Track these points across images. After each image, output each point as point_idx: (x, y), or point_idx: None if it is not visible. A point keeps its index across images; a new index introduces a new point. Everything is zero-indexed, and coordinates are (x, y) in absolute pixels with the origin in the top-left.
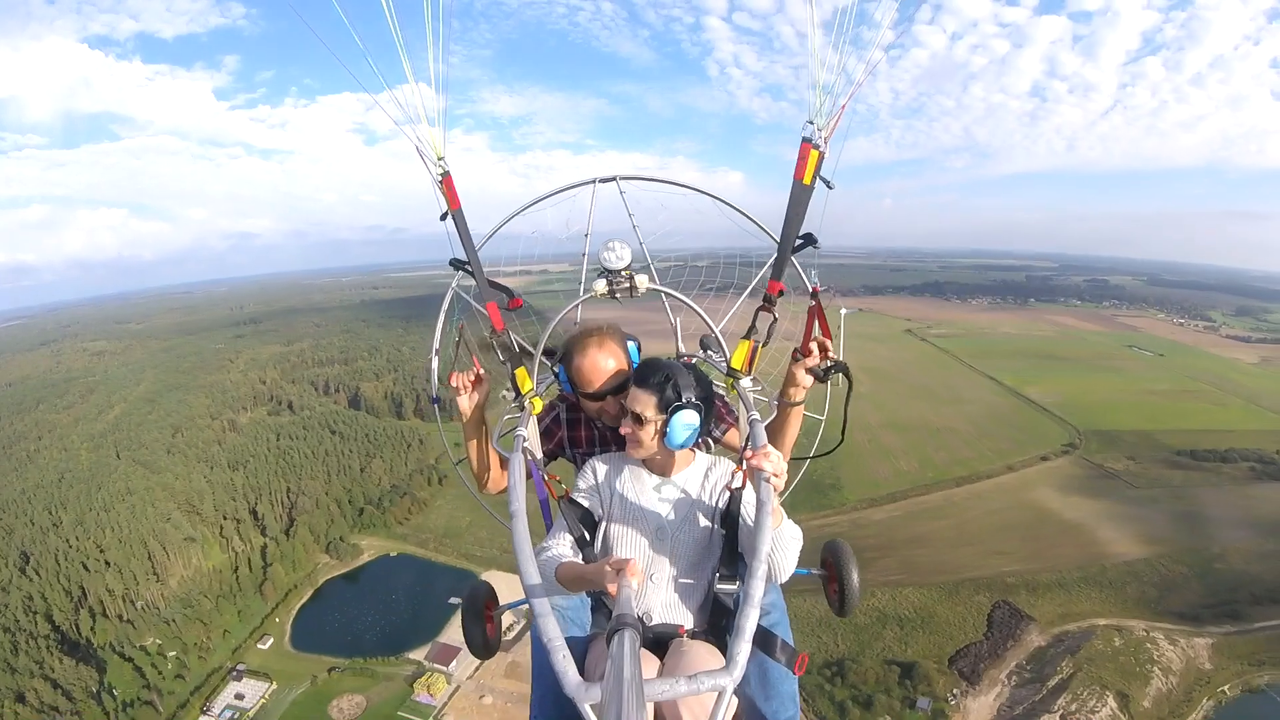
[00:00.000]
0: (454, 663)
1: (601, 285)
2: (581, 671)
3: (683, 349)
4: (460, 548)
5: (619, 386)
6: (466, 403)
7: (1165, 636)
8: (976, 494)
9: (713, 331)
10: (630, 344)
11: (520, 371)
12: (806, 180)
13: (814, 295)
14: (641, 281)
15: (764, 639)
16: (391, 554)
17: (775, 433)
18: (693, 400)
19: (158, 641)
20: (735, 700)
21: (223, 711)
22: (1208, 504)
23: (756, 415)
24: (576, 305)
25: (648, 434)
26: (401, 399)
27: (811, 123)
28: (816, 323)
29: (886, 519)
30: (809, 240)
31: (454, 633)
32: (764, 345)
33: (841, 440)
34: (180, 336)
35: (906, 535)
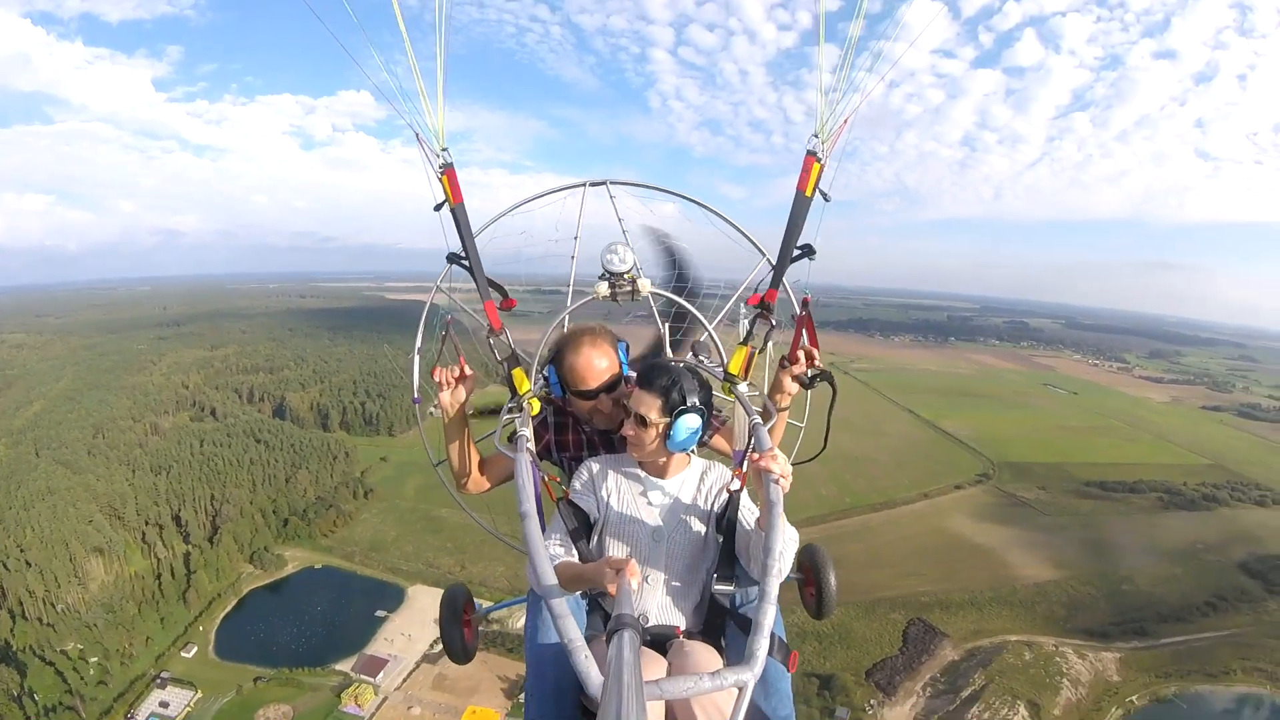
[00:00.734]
0: (381, 674)
1: (604, 288)
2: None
3: (669, 355)
4: (386, 561)
5: (611, 385)
6: (449, 399)
7: (1074, 651)
8: (892, 519)
9: (709, 336)
10: (620, 345)
11: (517, 372)
12: (809, 192)
13: (804, 305)
14: (644, 285)
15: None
16: (316, 566)
17: None
18: (696, 404)
19: (79, 646)
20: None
21: (148, 719)
22: (1116, 531)
23: (758, 419)
24: (578, 306)
25: (650, 436)
26: (328, 410)
27: (816, 135)
28: (805, 332)
29: (806, 540)
30: (807, 251)
31: (381, 645)
32: (760, 352)
33: (824, 447)
34: (102, 335)
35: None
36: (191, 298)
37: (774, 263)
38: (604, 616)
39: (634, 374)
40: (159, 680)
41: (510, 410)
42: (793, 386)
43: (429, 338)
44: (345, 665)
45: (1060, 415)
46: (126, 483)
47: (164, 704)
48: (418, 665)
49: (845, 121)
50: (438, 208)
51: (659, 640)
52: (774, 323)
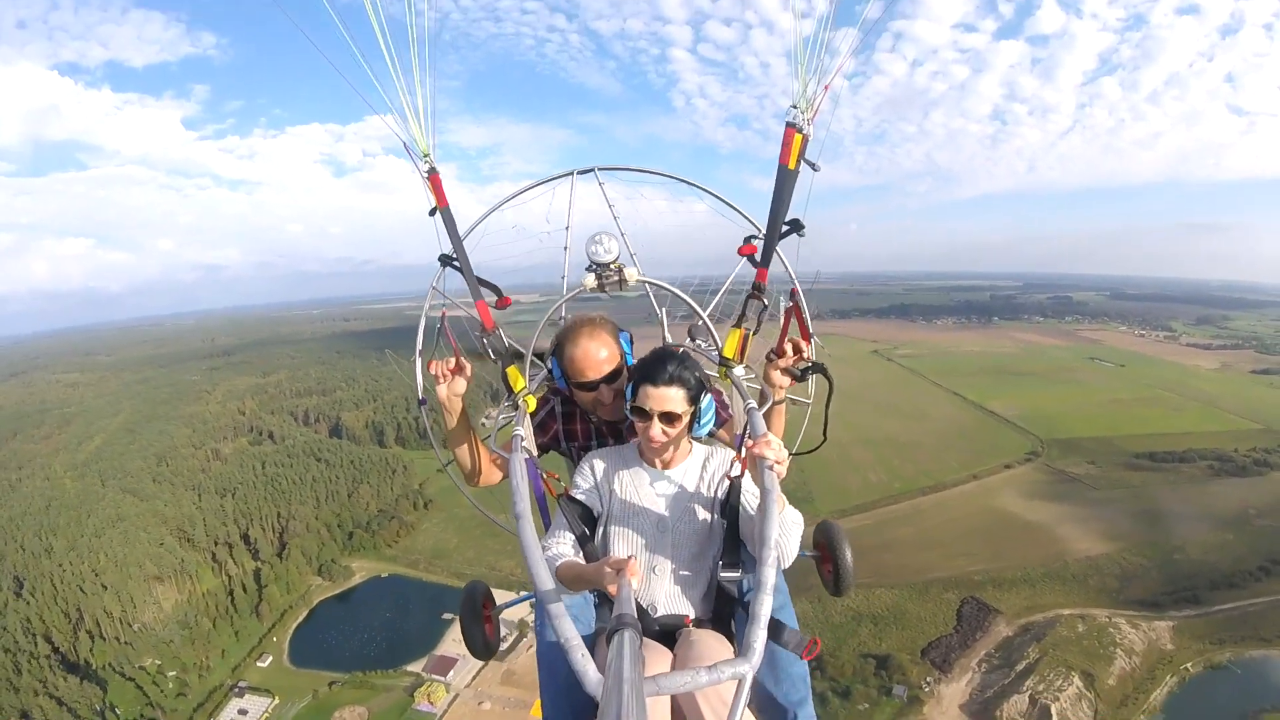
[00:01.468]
0: (451, 672)
1: (591, 279)
2: None
3: (669, 339)
4: (450, 567)
5: (612, 376)
6: (445, 391)
7: (1127, 621)
8: (942, 502)
9: (702, 320)
10: (622, 334)
11: (512, 370)
12: (791, 165)
13: (792, 295)
14: (630, 274)
15: (772, 627)
16: (383, 575)
17: None
18: (704, 385)
19: (157, 662)
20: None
21: None
22: (1166, 502)
23: (753, 404)
24: (568, 299)
25: (679, 429)
26: (383, 427)
27: (795, 107)
28: (795, 323)
29: (856, 527)
30: (795, 226)
31: (450, 645)
32: (754, 333)
33: (824, 439)
34: (153, 369)
35: (876, 541)
36: (237, 328)
37: (762, 238)
38: (609, 606)
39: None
40: (237, 689)
41: (506, 409)
42: (783, 380)
43: (427, 337)
44: (416, 666)
45: (1108, 388)
46: (194, 506)
47: (243, 711)
48: (486, 663)
49: (826, 88)
50: (431, 213)
51: (668, 629)
52: (764, 303)
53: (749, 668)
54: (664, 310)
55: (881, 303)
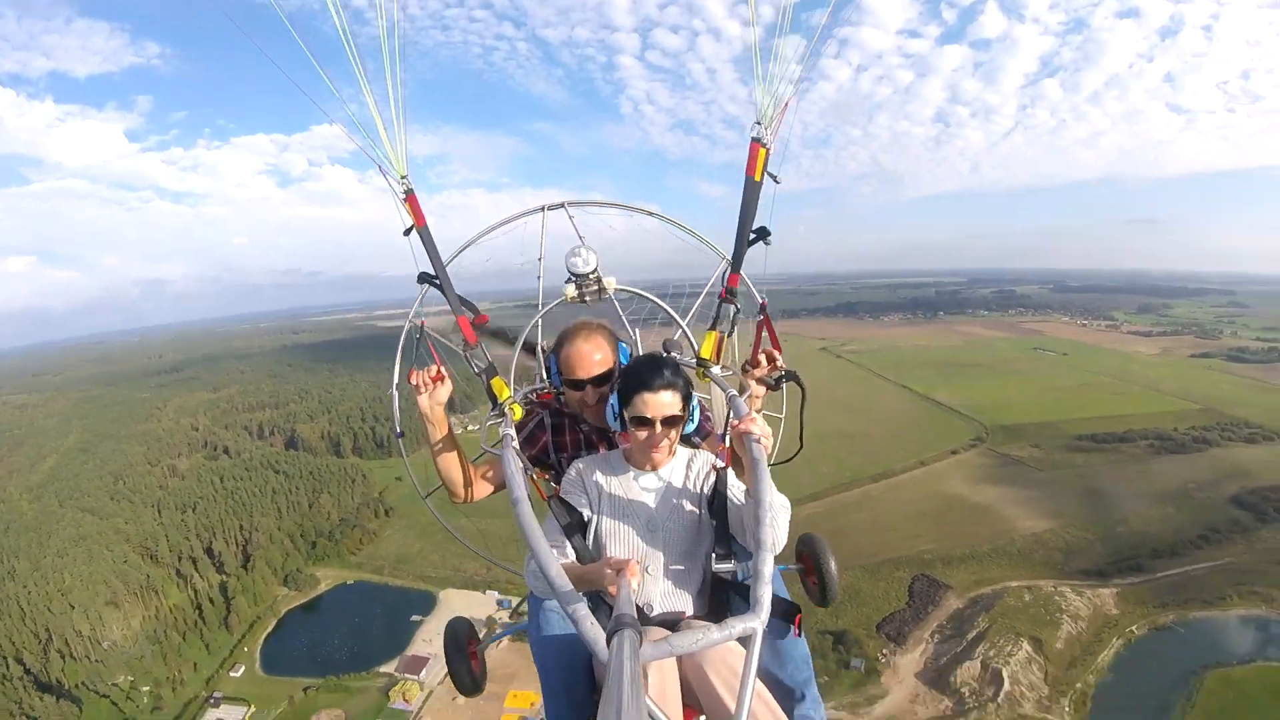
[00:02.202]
0: (424, 670)
1: (571, 289)
2: (590, 671)
3: (640, 348)
4: (415, 570)
5: (601, 379)
6: (427, 401)
7: (1072, 590)
8: (892, 487)
9: (680, 327)
10: (621, 347)
11: (496, 381)
12: (757, 177)
13: (762, 309)
14: (610, 283)
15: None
16: (349, 582)
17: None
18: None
19: (130, 678)
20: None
21: None
22: (1108, 480)
23: (734, 392)
24: (549, 310)
25: (678, 431)
26: (339, 438)
27: (759, 123)
28: (766, 335)
29: (809, 515)
30: (762, 234)
31: (420, 645)
32: (729, 335)
33: (800, 446)
34: (101, 387)
35: (829, 527)
36: (184, 344)
37: (730, 252)
38: (609, 612)
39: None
40: (212, 700)
41: (492, 418)
42: (759, 389)
43: (408, 353)
44: (389, 667)
45: (1050, 376)
46: (155, 522)
47: None
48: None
49: (785, 105)
50: (406, 233)
51: (666, 627)
52: (737, 306)
53: (759, 623)
54: (634, 319)
55: (829, 301)
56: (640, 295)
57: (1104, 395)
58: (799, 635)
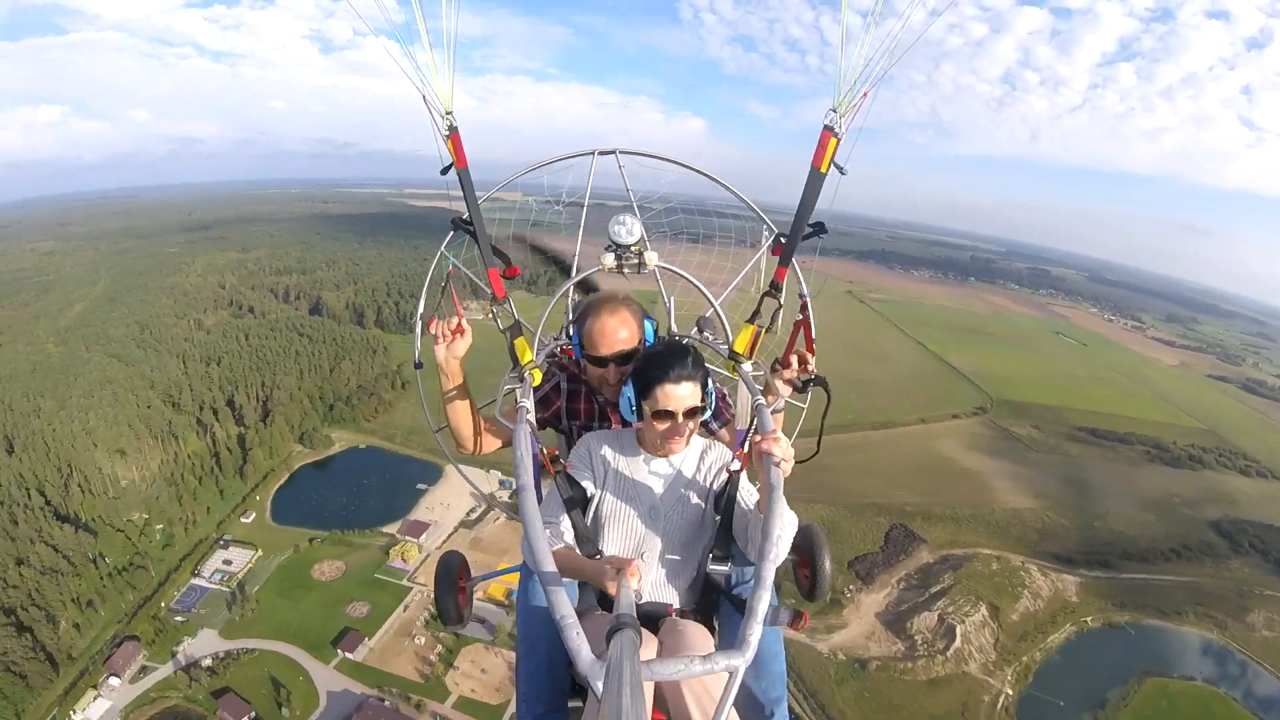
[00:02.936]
0: (424, 535)
1: (610, 259)
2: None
3: (675, 329)
4: (425, 444)
5: (625, 357)
6: (444, 352)
7: (1039, 569)
8: (888, 438)
9: (715, 311)
10: (647, 322)
11: (520, 341)
12: (824, 168)
13: (803, 308)
14: (650, 258)
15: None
16: (361, 446)
17: None
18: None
19: (144, 515)
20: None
21: (213, 574)
22: (1098, 475)
23: (761, 400)
24: (583, 277)
25: (698, 421)
26: (363, 309)
27: (834, 110)
28: (802, 334)
29: (803, 449)
30: (818, 229)
31: (423, 512)
32: (767, 331)
33: (817, 450)
34: (129, 240)
35: (821, 463)
36: (213, 204)
37: (784, 240)
38: (597, 592)
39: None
40: (221, 542)
41: (511, 380)
42: (784, 390)
43: (431, 295)
44: (391, 528)
45: (1066, 362)
46: (180, 372)
47: (227, 561)
48: (456, 529)
49: (865, 94)
50: (444, 171)
51: (651, 617)
52: (780, 303)
53: (742, 661)
54: (672, 300)
55: (863, 245)
56: (680, 275)
57: (1113, 393)
58: (801, 629)
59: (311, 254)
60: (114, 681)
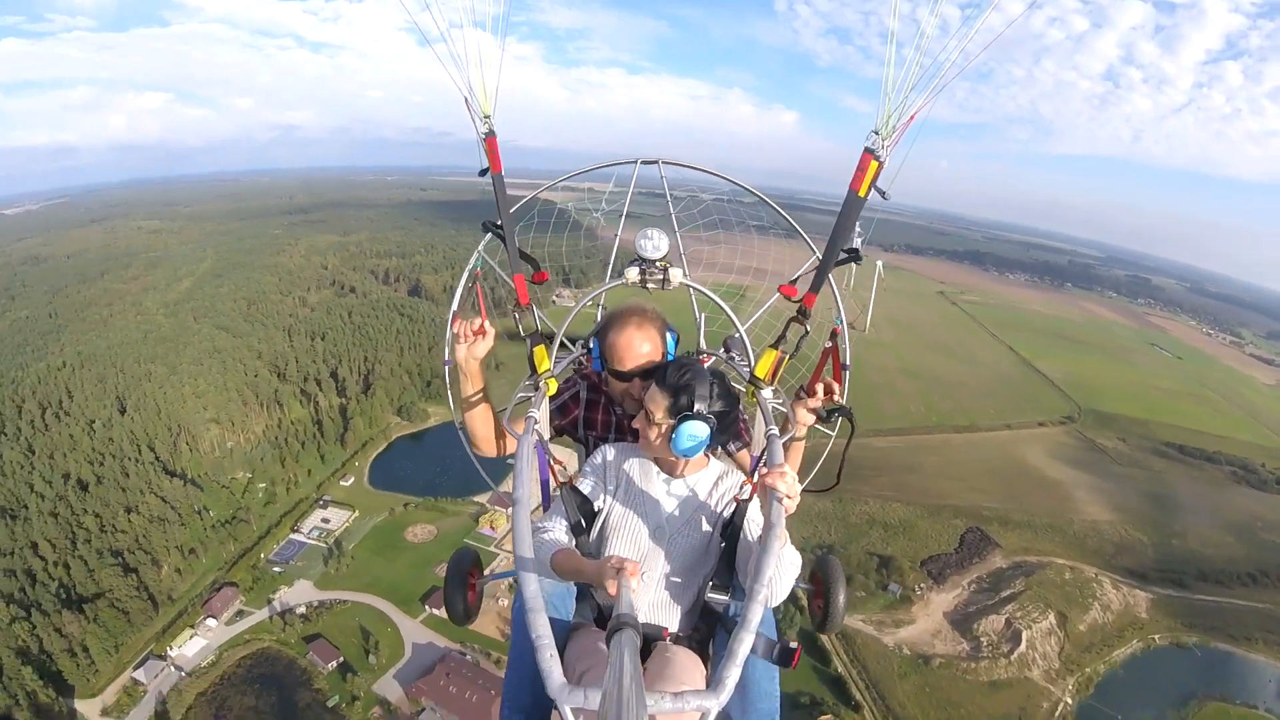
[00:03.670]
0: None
1: (634, 273)
2: (561, 657)
3: (704, 346)
4: None
5: (649, 372)
6: (464, 353)
7: (1111, 582)
8: (971, 442)
9: (741, 336)
10: (670, 335)
11: (539, 349)
12: (862, 192)
13: (833, 335)
14: (675, 275)
15: (757, 644)
16: (456, 423)
17: None
18: (704, 413)
19: (248, 474)
20: None
21: (311, 531)
22: (1181, 492)
23: (775, 430)
24: (607, 289)
25: (654, 433)
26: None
27: (876, 133)
28: (830, 362)
29: (888, 446)
30: (853, 255)
31: (511, 485)
32: (790, 357)
33: (837, 482)
34: (234, 221)
35: (902, 463)
36: (314, 189)
37: (819, 261)
38: (593, 606)
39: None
40: (321, 502)
41: (527, 388)
42: (808, 418)
43: (465, 306)
44: (481, 499)
45: (1159, 376)
46: (286, 345)
47: (325, 520)
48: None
49: (911, 118)
50: (481, 174)
51: (645, 640)
52: (807, 329)
53: (716, 704)
54: (702, 317)
55: (958, 245)
56: (704, 294)
57: (1204, 410)
58: (794, 667)
59: (409, 238)
60: (210, 622)
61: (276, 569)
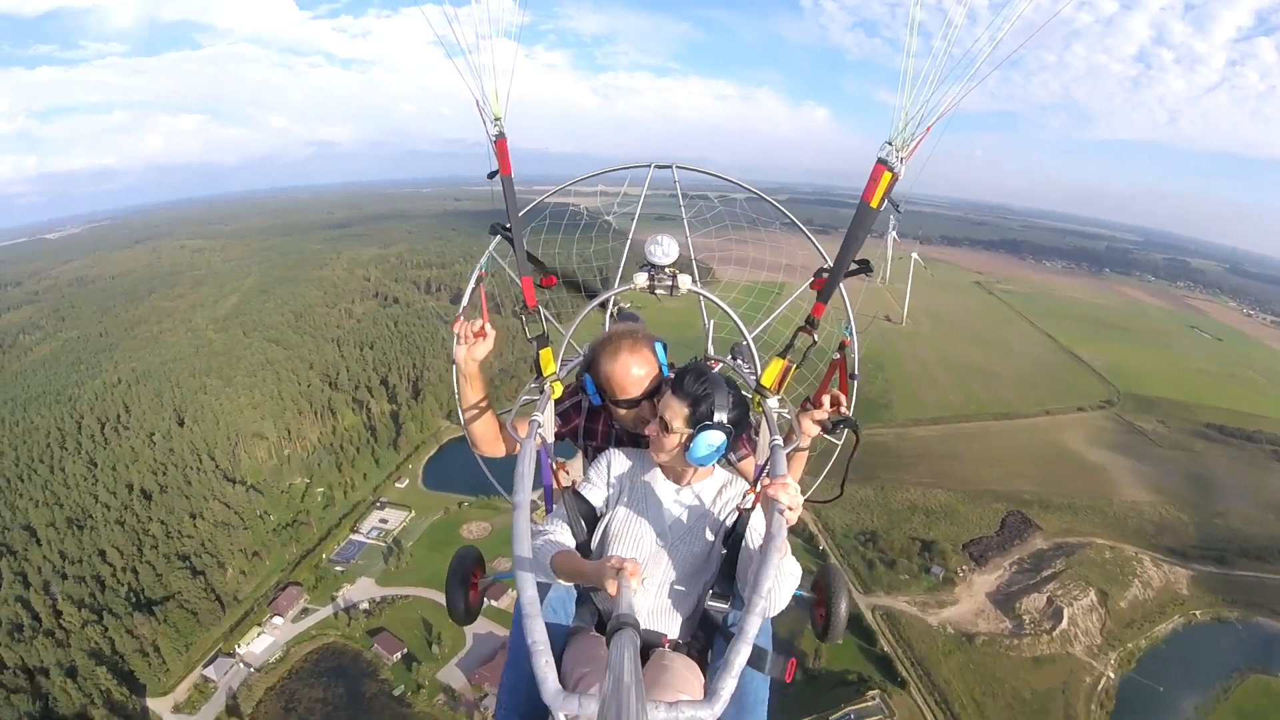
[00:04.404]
0: None
1: (642, 279)
2: (558, 661)
3: (712, 352)
4: None
5: (652, 391)
6: (463, 354)
7: (1152, 560)
8: (1011, 429)
9: (748, 345)
10: (659, 346)
11: (545, 352)
12: (874, 204)
13: (841, 347)
14: (684, 281)
15: (752, 655)
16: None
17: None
18: (723, 422)
19: (305, 480)
20: None
21: (370, 530)
22: (1222, 472)
23: (779, 440)
24: (616, 293)
25: (671, 442)
26: (501, 300)
27: (890, 144)
28: (837, 374)
29: (927, 435)
30: (864, 267)
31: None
32: (797, 367)
33: (840, 494)
34: (275, 237)
35: (943, 451)
36: (352, 203)
37: (828, 270)
38: (593, 610)
39: (672, 375)
40: (378, 504)
41: (532, 392)
42: (813, 429)
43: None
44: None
45: (1198, 359)
46: (336, 355)
47: (383, 520)
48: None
49: (928, 129)
50: (490, 176)
51: (644, 646)
52: (815, 340)
53: (710, 714)
54: (711, 324)
55: (994, 235)
56: (713, 302)
57: (1246, 390)
58: (790, 679)
59: (448, 248)
60: (277, 620)
61: (338, 568)
